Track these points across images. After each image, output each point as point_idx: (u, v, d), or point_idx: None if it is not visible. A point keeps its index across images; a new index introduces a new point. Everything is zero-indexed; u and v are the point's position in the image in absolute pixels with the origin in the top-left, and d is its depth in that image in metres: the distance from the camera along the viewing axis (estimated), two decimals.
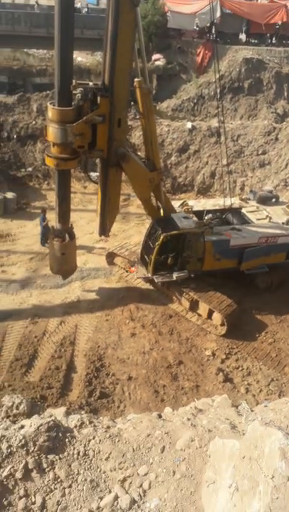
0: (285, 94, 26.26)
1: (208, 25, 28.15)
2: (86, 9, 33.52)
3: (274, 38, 30.10)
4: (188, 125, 22.75)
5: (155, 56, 29.69)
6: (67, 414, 6.85)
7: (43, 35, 26.85)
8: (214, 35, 26.75)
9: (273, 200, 15.97)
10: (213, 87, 24.78)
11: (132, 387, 11.05)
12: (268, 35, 29.95)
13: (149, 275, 13.62)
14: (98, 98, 10.53)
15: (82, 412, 9.60)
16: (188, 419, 5.35)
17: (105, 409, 10.41)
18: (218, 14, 26.62)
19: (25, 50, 30.45)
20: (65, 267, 13.03)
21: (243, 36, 30.81)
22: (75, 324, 12.86)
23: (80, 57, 30.49)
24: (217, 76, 15.55)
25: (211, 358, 12.20)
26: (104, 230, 13.14)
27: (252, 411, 5.59)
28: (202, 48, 28.22)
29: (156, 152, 12.64)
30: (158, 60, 29.54)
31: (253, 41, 30.49)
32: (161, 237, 12.88)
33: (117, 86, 10.54)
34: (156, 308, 13.81)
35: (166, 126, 22.76)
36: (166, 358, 11.99)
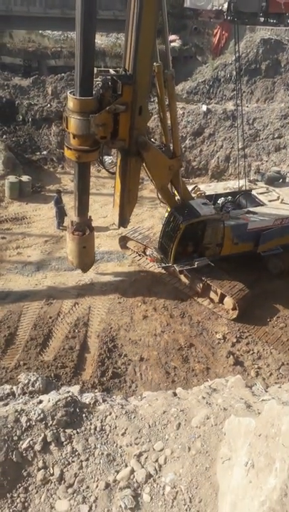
0: None
1: (226, 4, 27.52)
2: None
3: None
4: (204, 108, 22.46)
5: (171, 37, 29.14)
6: (81, 392, 6.99)
7: (58, 16, 26.53)
8: (232, 15, 26.16)
9: (281, 180, 15.89)
10: (230, 70, 24.37)
11: (143, 368, 11.21)
12: (287, 14, 29.19)
13: (169, 264, 13.60)
14: (120, 86, 10.13)
15: (96, 390, 9.81)
16: (204, 398, 5.44)
17: (117, 388, 10.59)
18: None
19: (40, 31, 30.17)
20: (85, 260, 12.81)
21: (261, 16, 30.10)
22: (88, 306, 13.01)
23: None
24: (236, 57, 15.19)
25: (221, 341, 12.28)
26: (123, 221, 12.89)
27: (266, 391, 5.67)
28: (219, 29, 27.70)
29: (177, 139, 12.29)
30: (174, 41, 29.10)
31: (271, 21, 29.77)
32: (183, 226, 12.75)
33: (140, 72, 10.12)
34: (168, 292, 13.88)
35: (180, 109, 22.47)
36: (177, 341, 12.10)
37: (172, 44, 29.13)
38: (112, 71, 10.73)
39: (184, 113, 22.40)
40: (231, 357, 11.74)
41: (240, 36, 26.37)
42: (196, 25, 29.38)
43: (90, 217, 12.40)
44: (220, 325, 12.86)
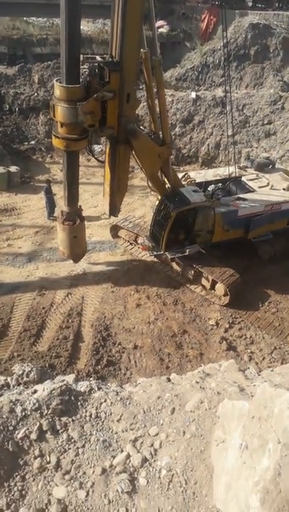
0: None
1: None
2: None
3: (281, 2, 29.12)
4: (193, 95, 22.30)
5: (158, 23, 28.85)
6: (76, 381, 7.02)
7: (43, 2, 26.03)
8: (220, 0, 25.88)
9: (270, 166, 15.95)
10: (218, 55, 24.18)
11: (137, 356, 11.28)
12: None
13: (161, 252, 13.62)
14: (107, 73, 10.01)
15: (91, 379, 9.87)
16: (197, 382, 5.50)
17: (112, 376, 10.67)
18: None
19: (25, 18, 29.59)
20: (77, 250, 12.78)
21: (249, 0, 29.82)
22: (81, 296, 13.02)
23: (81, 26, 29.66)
24: (223, 43, 15.04)
25: (214, 327, 12.38)
26: (114, 210, 12.85)
27: (259, 375, 5.74)
28: (207, 14, 27.42)
29: (167, 126, 12.21)
30: (161, 27, 28.76)
31: (259, 5, 29.52)
32: (174, 213, 12.76)
33: (127, 59, 10.00)
34: (161, 280, 13.92)
35: (170, 96, 22.30)
36: (170, 328, 12.18)
37: (160, 30, 28.80)
38: (98, 58, 10.58)
39: (173, 100, 22.23)
40: (224, 342, 11.85)
41: (228, 21, 26.17)
42: (184, 10, 29.01)
43: (80, 206, 12.32)
44: (212, 311, 12.96)
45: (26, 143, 21.29)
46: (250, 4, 29.71)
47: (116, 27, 9.79)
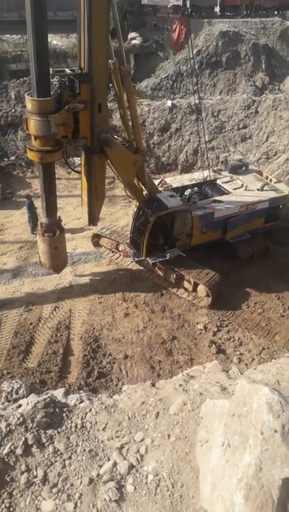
0: (263, 66, 26.12)
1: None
2: None
3: (248, 10, 29.79)
4: (169, 103, 22.59)
5: (131, 35, 29.27)
6: (66, 394, 6.99)
7: (16, 20, 26.21)
8: (188, 10, 26.36)
9: (244, 168, 16.20)
10: (192, 63, 24.54)
11: (128, 365, 11.24)
12: (243, 6, 29.60)
13: (142, 257, 13.72)
14: (77, 85, 10.23)
15: (82, 391, 9.81)
16: (180, 385, 5.53)
17: (104, 388, 10.59)
18: None
19: None
20: (58, 261, 12.81)
21: (218, 9, 30.42)
22: (69, 309, 12.97)
23: (54, 41, 29.93)
24: (189, 51, 15.26)
25: (203, 331, 12.42)
26: (93, 219, 12.99)
27: (241, 374, 5.80)
28: (178, 24, 27.86)
29: (139, 134, 12.45)
30: (134, 38, 29.14)
31: (228, 14, 30.13)
32: (152, 219, 12.91)
33: (96, 70, 10.20)
34: (148, 288, 13.96)
35: (146, 105, 22.57)
36: (160, 335, 12.19)
37: (133, 42, 29.20)
38: (68, 70, 10.77)
39: (149, 110, 22.49)
40: (213, 346, 11.89)
41: (199, 30, 26.69)
42: (155, 21, 29.46)
43: (60, 217, 12.39)
44: (200, 315, 13.01)
45: (6, 159, 21.32)
46: (218, 13, 30.31)
47: (83, 39, 10.02)
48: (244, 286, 14.09)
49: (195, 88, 17.99)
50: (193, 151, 21.55)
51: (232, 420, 4.23)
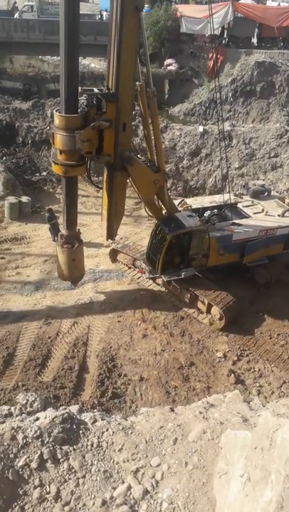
0: None
1: (220, 29, 28.37)
2: (99, 16, 34.04)
3: (286, 41, 30.20)
4: (200, 129, 22.88)
5: (168, 61, 30.03)
6: (80, 412, 6.94)
7: (57, 42, 27.23)
8: (226, 40, 26.93)
9: (266, 193, 16.16)
10: (225, 91, 24.94)
11: (143, 388, 11.07)
12: (280, 38, 30.05)
13: (157, 275, 13.74)
14: (104, 104, 10.63)
15: (95, 410, 9.69)
16: (200, 413, 5.41)
17: (117, 409, 10.42)
18: (230, 18, 26.82)
19: (40, 57, 31.05)
20: (75, 273, 13.10)
21: (255, 40, 30.96)
22: (87, 325, 12.95)
23: (93, 64, 30.96)
24: (217, 83, 15.55)
25: (222, 359, 12.16)
26: (111, 234, 13.27)
27: (264, 406, 5.64)
28: (214, 52, 28.39)
29: (161, 154, 12.72)
30: (170, 65, 29.87)
31: (264, 44, 30.62)
32: (169, 237, 12.99)
33: (122, 91, 10.63)
34: (168, 310, 13.84)
35: (178, 130, 22.90)
36: (177, 359, 11.99)
37: (169, 68, 29.93)
38: (96, 90, 11.24)
39: (181, 134, 22.80)
40: (232, 375, 11.60)
41: (235, 59, 27.18)
42: (192, 49, 30.18)
43: (79, 230, 12.72)
44: (220, 343, 12.77)
45: (38, 174, 21.83)
46: (255, 43, 30.85)
47: (112, 62, 10.49)
48: (268, 316, 13.83)
49: (220, 114, 18.15)
50: (222, 177, 21.65)
51: (254, 453, 4.10)
